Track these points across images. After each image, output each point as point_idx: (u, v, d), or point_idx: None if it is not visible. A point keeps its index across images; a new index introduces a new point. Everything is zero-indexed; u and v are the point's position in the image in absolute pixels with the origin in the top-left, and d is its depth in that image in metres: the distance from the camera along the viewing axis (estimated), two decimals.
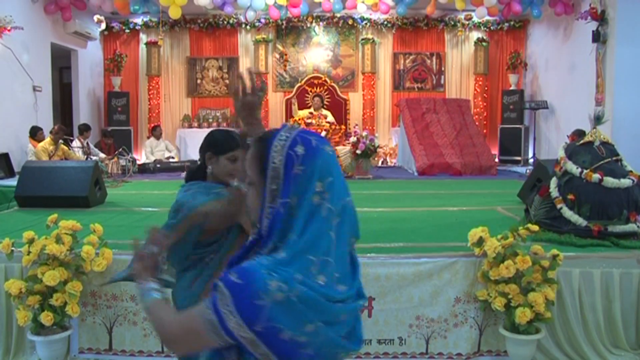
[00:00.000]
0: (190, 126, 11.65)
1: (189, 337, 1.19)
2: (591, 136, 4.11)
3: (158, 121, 11.62)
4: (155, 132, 10.93)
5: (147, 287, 1.39)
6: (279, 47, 11.80)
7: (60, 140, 7.97)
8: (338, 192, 1.21)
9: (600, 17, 8.18)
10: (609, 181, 3.84)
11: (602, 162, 3.93)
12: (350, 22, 11.60)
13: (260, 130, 1.48)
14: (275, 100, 11.78)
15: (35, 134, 8.38)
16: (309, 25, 11.64)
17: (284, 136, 1.22)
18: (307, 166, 1.19)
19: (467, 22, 11.57)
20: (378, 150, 9.17)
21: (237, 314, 1.11)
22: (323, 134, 9.10)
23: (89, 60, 11.24)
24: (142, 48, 11.76)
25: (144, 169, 9.82)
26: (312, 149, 1.21)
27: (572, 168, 3.98)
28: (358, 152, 8.75)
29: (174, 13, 9.70)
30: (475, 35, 11.75)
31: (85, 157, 8.71)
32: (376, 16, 11.40)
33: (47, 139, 7.90)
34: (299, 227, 1.17)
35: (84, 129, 9.10)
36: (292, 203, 1.18)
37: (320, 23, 11.64)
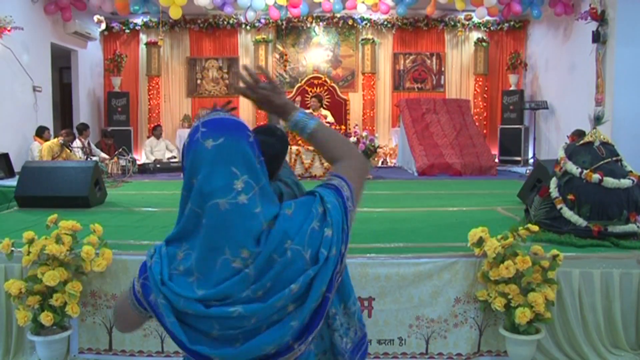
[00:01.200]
0: (190, 126, 11.65)
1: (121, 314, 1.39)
2: (591, 136, 4.11)
3: (158, 121, 11.63)
4: (155, 131, 10.94)
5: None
6: (279, 47, 11.80)
7: (62, 141, 7.98)
8: (200, 193, 1.19)
9: (600, 18, 8.18)
10: (609, 181, 3.84)
11: (602, 162, 3.93)
12: (350, 22, 11.61)
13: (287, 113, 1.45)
14: None
15: (43, 133, 8.46)
16: (309, 25, 11.64)
17: (195, 123, 1.25)
18: (185, 160, 1.24)
19: (467, 23, 11.58)
20: (378, 150, 9.18)
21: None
22: None
23: (89, 61, 11.25)
24: (142, 48, 11.76)
25: (143, 169, 9.82)
26: (190, 143, 1.22)
27: (572, 168, 3.98)
28: None
29: (174, 13, 9.71)
30: (475, 35, 11.76)
31: (86, 157, 8.71)
32: (376, 16, 11.41)
33: (55, 140, 7.94)
34: (179, 218, 1.26)
35: (82, 129, 9.11)
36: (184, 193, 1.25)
37: (320, 23, 11.64)
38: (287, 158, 8.62)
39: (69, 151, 8.11)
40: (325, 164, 8.84)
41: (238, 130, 1.23)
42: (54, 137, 8.36)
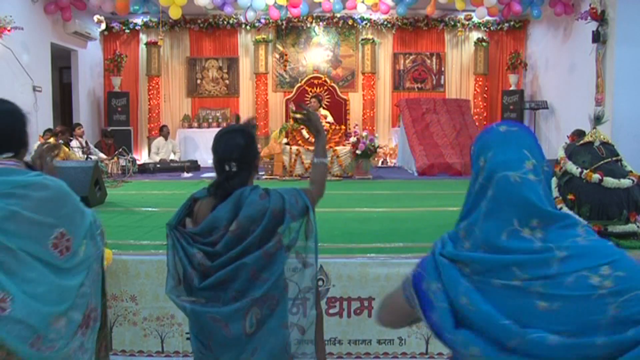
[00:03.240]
0: (190, 126, 11.66)
1: (391, 305, 1.46)
2: (591, 136, 4.11)
3: (158, 121, 11.62)
4: (162, 132, 10.93)
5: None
6: (279, 47, 11.80)
7: (61, 141, 7.98)
8: (490, 167, 1.24)
9: (600, 17, 8.18)
10: (609, 181, 3.84)
11: (602, 162, 3.93)
12: (350, 22, 11.61)
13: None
14: (275, 101, 11.79)
15: (44, 134, 8.45)
16: (309, 25, 11.64)
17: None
18: (475, 145, 1.31)
19: (467, 22, 11.57)
20: (378, 150, 9.18)
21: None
22: None
23: (89, 61, 11.25)
24: (142, 48, 11.76)
25: (143, 169, 9.83)
26: (481, 133, 1.33)
27: (572, 168, 3.98)
28: (358, 152, 8.76)
29: (174, 13, 9.71)
30: (475, 35, 11.76)
31: (85, 157, 8.71)
32: (376, 16, 11.41)
33: (52, 140, 7.93)
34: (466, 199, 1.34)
35: (74, 127, 9.14)
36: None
37: (320, 23, 11.64)
38: (287, 158, 8.62)
39: (67, 150, 8.10)
40: None
41: (529, 129, 1.33)
42: (51, 137, 8.34)
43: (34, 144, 8.39)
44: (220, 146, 2.02)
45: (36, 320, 1.75)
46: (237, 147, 1.99)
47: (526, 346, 1.11)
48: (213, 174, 2.04)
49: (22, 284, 1.75)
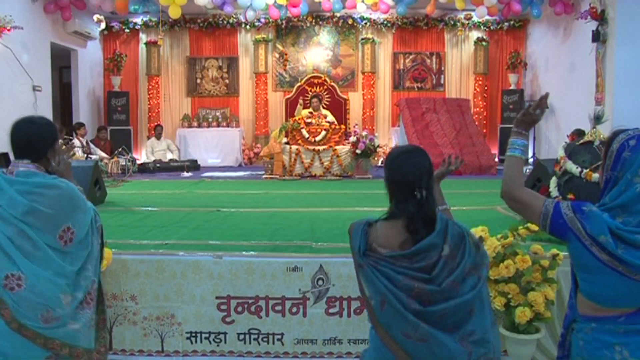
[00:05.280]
0: (190, 126, 11.65)
1: (523, 207, 1.83)
2: (591, 136, 4.11)
3: (158, 121, 11.62)
4: (156, 131, 10.94)
5: (517, 142, 1.97)
6: (279, 46, 11.80)
7: (61, 141, 7.97)
8: None
9: (600, 17, 8.18)
10: None
11: (601, 161, 3.93)
12: (350, 21, 11.60)
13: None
14: (274, 100, 11.79)
15: None
16: (308, 25, 11.64)
17: (630, 132, 1.78)
18: (633, 153, 1.71)
19: (467, 22, 11.57)
20: (378, 149, 9.18)
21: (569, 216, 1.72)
22: (323, 133, 9.11)
23: (89, 60, 11.24)
24: (142, 48, 11.76)
25: (143, 169, 9.83)
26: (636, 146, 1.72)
27: (572, 168, 3.99)
28: (358, 151, 8.76)
29: (174, 13, 9.70)
30: (475, 34, 11.75)
31: (85, 156, 8.71)
32: (376, 16, 11.40)
33: None
34: (616, 192, 1.72)
35: (77, 127, 9.12)
36: (619, 175, 1.74)
37: (320, 23, 11.64)
38: (287, 157, 8.61)
39: None
40: (325, 164, 8.85)
41: None
42: None
43: None
44: (407, 169, 1.93)
45: (46, 296, 2.14)
46: (426, 171, 1.93)
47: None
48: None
49: (35, 266, 2.14)
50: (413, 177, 1.90)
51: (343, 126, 9.73)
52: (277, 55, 11.82)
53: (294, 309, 3.50)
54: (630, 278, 1.58)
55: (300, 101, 10.39)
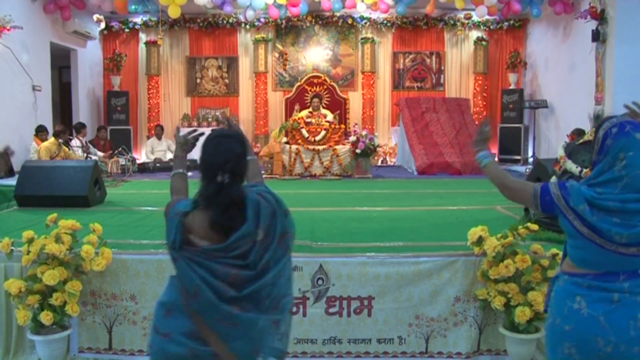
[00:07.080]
0: (189, 125, 11.63)
1: (517, 192, 2.10)
2: (591, 135, 4.11)
3: (158, 120, 11.62)
4: (156, 131, 10.92)
5: (483, 154, 2.19)
6: (279, 46, 11.80)
7: (61, 141, 7.96)
8: (628, 164, 1.89)
9: (600, 16, 8.18)
10: None
11: None
12: (349, 21, 11.60)
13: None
14: (274, 100, 11.78)
15: (41, 132, 8.43)
16: (308, 24, 11.64)
17: (613, 120, 2.00)
18: (615, 140, 1.94)
19: (466, 21, 11.57)
20: (377, 149, 9.19)
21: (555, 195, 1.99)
22: (323, 133, 9.11)
23: (89, 60, 11.24)
24: (142, 47, 11.76)
25: (143, 169, 9.82)
26: (621, 133, 1.93)
27: (572, 167, 3.99)
28: (358, 151, 8.76)
29: (174, 12, 9.70)
30: (474, 34, 11.75)
31: (85, 156, 8.70)
32: (376, 15, 11.40)
33: (52, 139, 7.89)
34: (597, 171, 2.00)
35: (80, 127, 9.10)
36: (603, 159, 1.98)
37: (320, 22, 11.64)
38: (287, 157, 8.61)
39: (67, 149, 8.09)
40: (325, 164, 8.86)
41: None
42: (52, 137, 8.32)
43: (29, 145, 8.42)
44: (214, 152, 1.97)
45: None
46: (235, 156, 1.95)
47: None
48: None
49: None
50: (219, 160, 1.93)
51: (343, 126, 9.73)
52: (276, 55, 11.82)
53: (294, 309, 3.50)
54: (605, 248, 1.86)
55: (297, 107, 10.25)
